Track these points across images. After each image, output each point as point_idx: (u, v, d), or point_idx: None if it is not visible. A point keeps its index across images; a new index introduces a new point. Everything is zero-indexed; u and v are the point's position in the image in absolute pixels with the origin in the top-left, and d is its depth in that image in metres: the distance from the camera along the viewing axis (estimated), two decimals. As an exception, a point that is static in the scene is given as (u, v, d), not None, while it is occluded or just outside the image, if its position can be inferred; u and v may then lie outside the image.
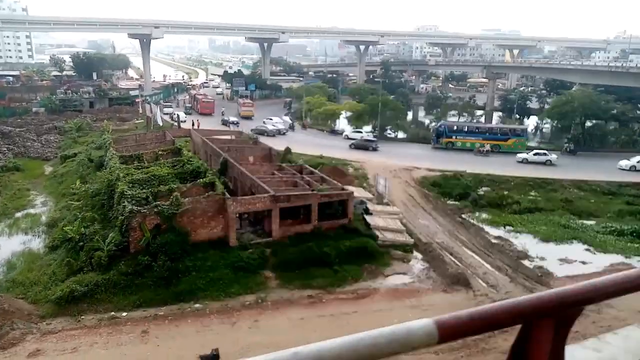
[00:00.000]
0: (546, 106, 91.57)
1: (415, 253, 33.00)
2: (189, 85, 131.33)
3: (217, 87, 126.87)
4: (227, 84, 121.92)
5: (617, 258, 33.06)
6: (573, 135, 70.12)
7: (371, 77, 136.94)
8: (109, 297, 26.17)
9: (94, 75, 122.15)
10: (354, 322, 24.60)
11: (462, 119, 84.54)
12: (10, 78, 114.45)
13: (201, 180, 34.81)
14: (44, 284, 27.17)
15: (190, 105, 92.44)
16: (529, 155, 56.74)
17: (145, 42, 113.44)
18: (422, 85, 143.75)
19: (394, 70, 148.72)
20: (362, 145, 62.05)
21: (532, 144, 72.46)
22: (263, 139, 56.10)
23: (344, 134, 69.74)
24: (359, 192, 41.40)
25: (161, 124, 68.33)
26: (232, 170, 39.74)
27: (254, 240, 31.91)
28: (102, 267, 27.76)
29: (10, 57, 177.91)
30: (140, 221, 29.33)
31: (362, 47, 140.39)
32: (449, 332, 1.57)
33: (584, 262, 32.43)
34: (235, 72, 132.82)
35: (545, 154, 57.49)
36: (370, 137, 67.21)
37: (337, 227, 33.60)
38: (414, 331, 1.54)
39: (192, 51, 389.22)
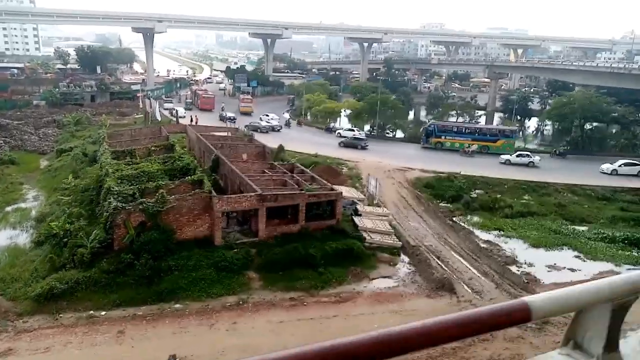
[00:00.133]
0: (548, 107, 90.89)
1: (403, 256, 32.75)
2: (192, 80, 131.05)
3: (221, 83, 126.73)
4: (230, 80, 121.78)
5: (607, 266, 32.69)
6: (572, 138, 69.57)
7: (374, 74, 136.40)
8: (89, 295, 25.96)
9: (98, 69, 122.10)
10: (334, 326, 24.40)
11: (461, 120, 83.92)
12: (15, 70, 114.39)
13: (189, 177, 34.62)
14: (25, 281, 26.95)
15: (190, 100, 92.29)
16: (512, 157, 56.83)
17: (148, 36, 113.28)
18: (424, 84, 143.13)
19: (397, 68, 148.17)
20: (351, 144, 61.95)
21: (532, 145, 72.24)
22: (256, 136, 55.89)
23: (337, 131, 69.49)
24: (351, 193, 41.19)
25: (160, 119, 68.19)
26: (223, 168, 39.59)
27: (240, 239, 31.74)
28: (84, 265, 27.54)
29: (17, 49, 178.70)
30: (125, 218, 29.18)
31: (365, 45, 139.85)
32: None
33: (572, 270, 32.09)
34: (237, 68, 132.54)
35: (528, 155, 57.49)
36: (361, 135, 66.96)
37: (325, 228, 33.36)
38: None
39: (199, 46, 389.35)
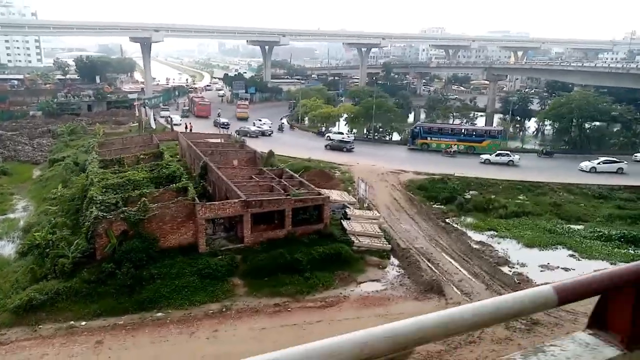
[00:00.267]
0: (547, 108, 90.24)
1: (393, 259, 32.13)
2: (191, 88, 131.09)
3: (220, 90, 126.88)
4: (229, 87, 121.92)
5: (602, 264, 31.92)
6: (570, 137, 68.86)
7: (374, 79, 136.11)
8: (70, 305, 25.50)
9: (97, 79, 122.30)
10: (317, 331, 23.79)
11: (457, 121, 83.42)
12: (15, 82, 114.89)
13: (174, 185, 34.19)
14: (5, 292, 26.53)
15: (187, 108, 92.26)
16: (491, 157, 56.85)
17: (145, 45, 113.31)
18: (423, 87, 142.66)
19: (397, 72, 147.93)
20: (337, 146, 62.27)
21: (531, 145, 71.84)
22: (249, 141, 55.67)
23: (326, 135, 69.39)
24: (342, 196, 40.66)
25: (154, 127, 68.06)
26: (212, 174, 39.17)
27: (226, 246, 31.25)
28: (65, 275, 27.11)
29: (20, 60, 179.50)
30: (107, 227, 28.74)
31: (363, 50, 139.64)
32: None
33: (566, 269, 31.42)
34: (235, 75, 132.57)
35: (507, 154, 57.53)
36: (347, 138, 66.99)
37: (312, 233, 32.83)
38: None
39: (201, 55, 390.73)
